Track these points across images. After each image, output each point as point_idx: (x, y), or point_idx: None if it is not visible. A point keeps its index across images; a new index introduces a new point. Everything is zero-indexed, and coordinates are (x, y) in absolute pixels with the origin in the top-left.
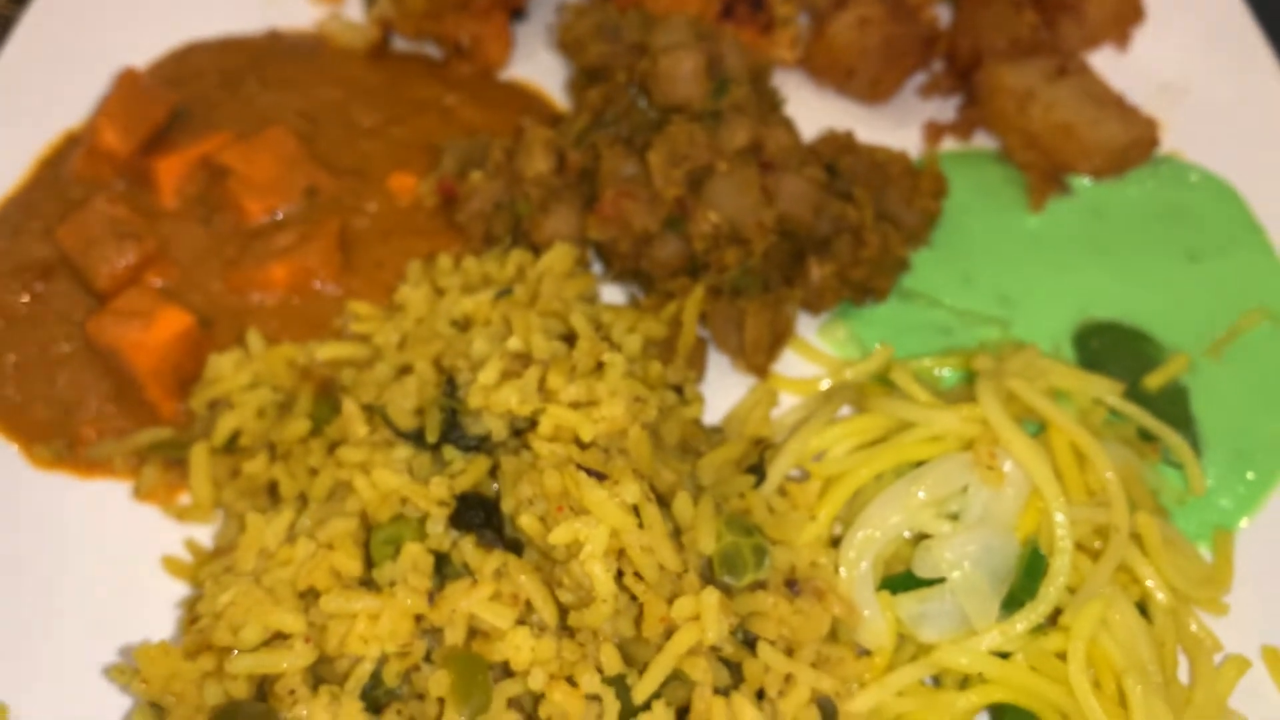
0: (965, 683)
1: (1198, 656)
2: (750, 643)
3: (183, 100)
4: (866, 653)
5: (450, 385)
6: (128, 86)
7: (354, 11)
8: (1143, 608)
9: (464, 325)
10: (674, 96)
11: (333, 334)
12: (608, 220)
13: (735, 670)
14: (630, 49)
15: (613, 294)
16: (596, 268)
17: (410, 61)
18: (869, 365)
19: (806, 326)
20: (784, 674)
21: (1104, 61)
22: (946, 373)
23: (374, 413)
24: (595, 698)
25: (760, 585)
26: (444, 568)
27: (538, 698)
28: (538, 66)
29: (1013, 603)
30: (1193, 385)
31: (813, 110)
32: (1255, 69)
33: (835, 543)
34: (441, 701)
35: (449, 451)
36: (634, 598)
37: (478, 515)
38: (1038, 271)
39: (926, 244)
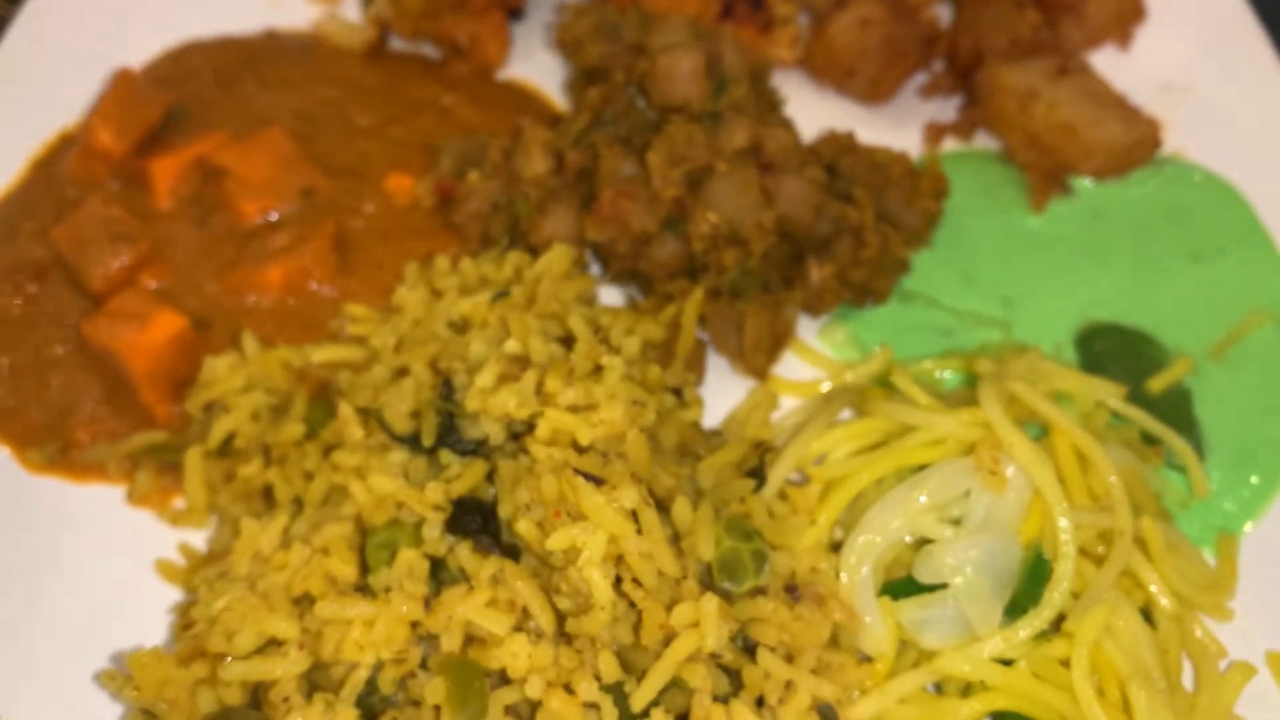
0: (968, 690)
1: (1202, 662)
2: (750, 649)
3: (178, 100)
4: (868, 659)
5: (447, 388)
6: (123, 86)
7: (351, 11)
8: (1146, 613)
9: (461, 327)
10: (673, 96)
11: (329, 336)
12: (606, 221)
13: (735, 677)
14: (629, 49)
15: (611, 296)
16: (595, 269)
17: (407, 61)
18: (869, 368)
19: (806, 328)
20: (784, 681)
21: (1105, 61)
22: (948, 375)
23: (370, 416)
24: (593, 705)
25: (760, 591)
26: (440, 573)
27: (535, 705)
28: (536, 66)
29: (1015, 609)
30: (1196, 388)
31: (812, 110)
32: (1258, 69)
33: (836, 548)
34: (438, 709)
35: (445, 455)
36: (632, 604)
37: (474, 520)
38: (1039, 273)
39: (927, 245)
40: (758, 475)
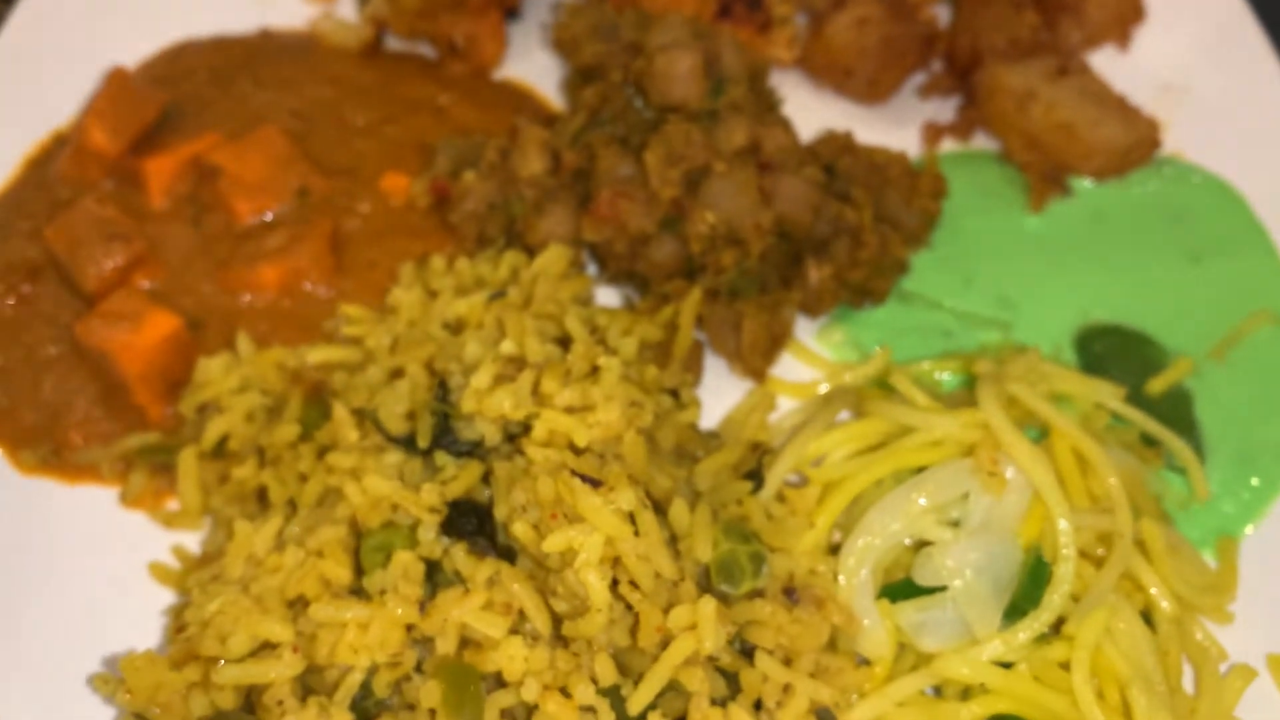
0: (967, 693)
1: (1203, 665)
2: (748, 652)
3: (173, 99)
4: (866, 662)
5: (442, 389)
6: (117, 85)
7: (347, 10)
8: (1147, 616)
9: (457, 328)
10: (670, 96)
11: (324, 337)
12: (603, 221)
13: (732, 680)
14: (626, 48)
15: (608, 296)
16: (591, 269)
17: (403, 61)
18: (868, 369)
19: (804, 329)
20: (782, 684)
21: (1105, 62)
22: (946, 376)
23: (365, 417)
24: (590, 709)
25: (758, 593)
26: (435, 576)
27: (531, 709)
28: (532, 66)
29: (1015, 611)
30: (1196, 389)
31: (810, 110)
32: (1257, 69)
33: (834, 550)
34: (433, 712)
35: (441, 457)
36: (629, 607)
37: (470, 522)
38: (1038, 273)
39: (926, 245)
40: (756, 477)
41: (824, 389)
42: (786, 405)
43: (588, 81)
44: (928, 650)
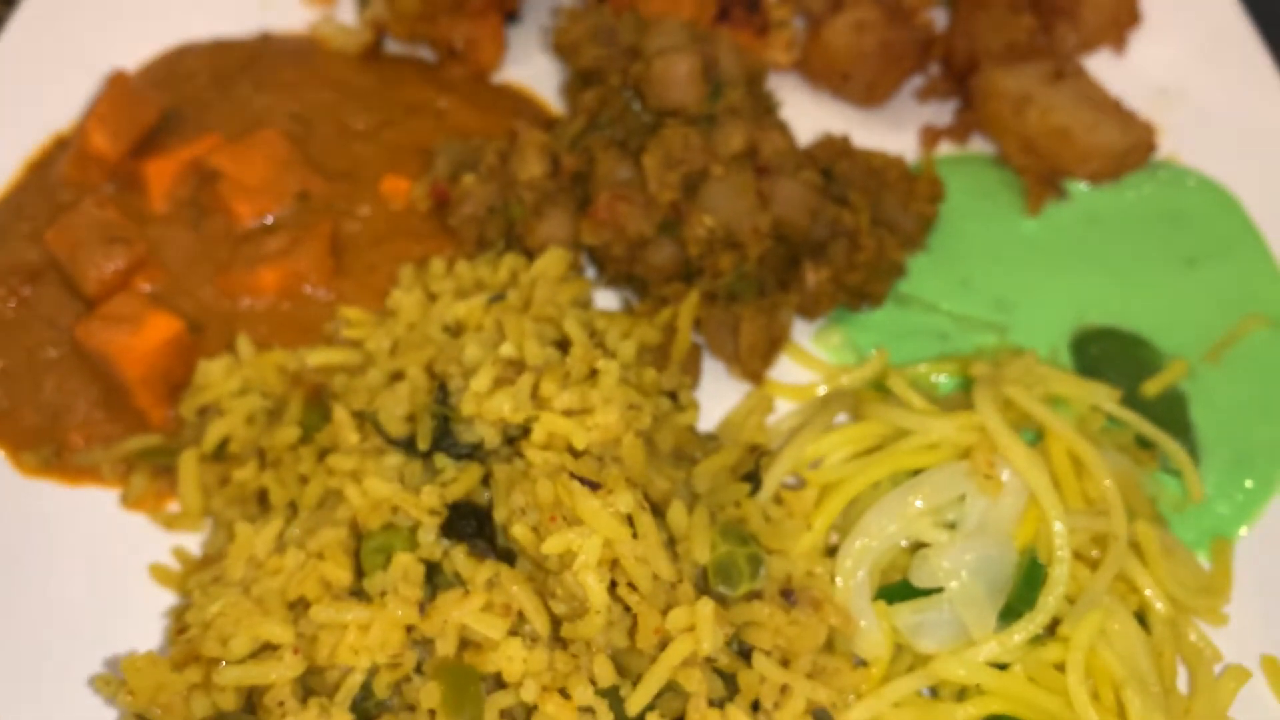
0: (963, 694)
1: (1197, 667)
2: (745, 653)
3: (173, 103)
4: (863, 663)
5: (442, 392)
6: (118, 89)
7: (346, 14)
8: (1141, 617)
9: (456, 331)
10: (669, 100)
11: (324, 339)
12: (602, 224)
13: (730, 681)
14: (625, 52)
15: (606, 299)
16: (590, 272)
17: (403, 64)
18: (865, 371)
19: (802, 332)
20: (779, 685)
21: (1101, 65)
22: (943, 379)
23: (365, 420)
24: (588, 710)
25: (756, 595)
26: (435, 578)
27: (530, 710)
28: (531, 69)
29: (1011, 613)
30: (1191, 391)
31: (808, 114)
32: (1252, 73)
33: (831, 552)
34: (433, 713)
35: (441, 459)
36: (628, 608)
37: (470, 524)
38: (1035, 276)
39: (923, 249)
40: (753, 479)
41: (822, 391)
42: (784, 408)
43: (587, 85)
44: (924, 651)
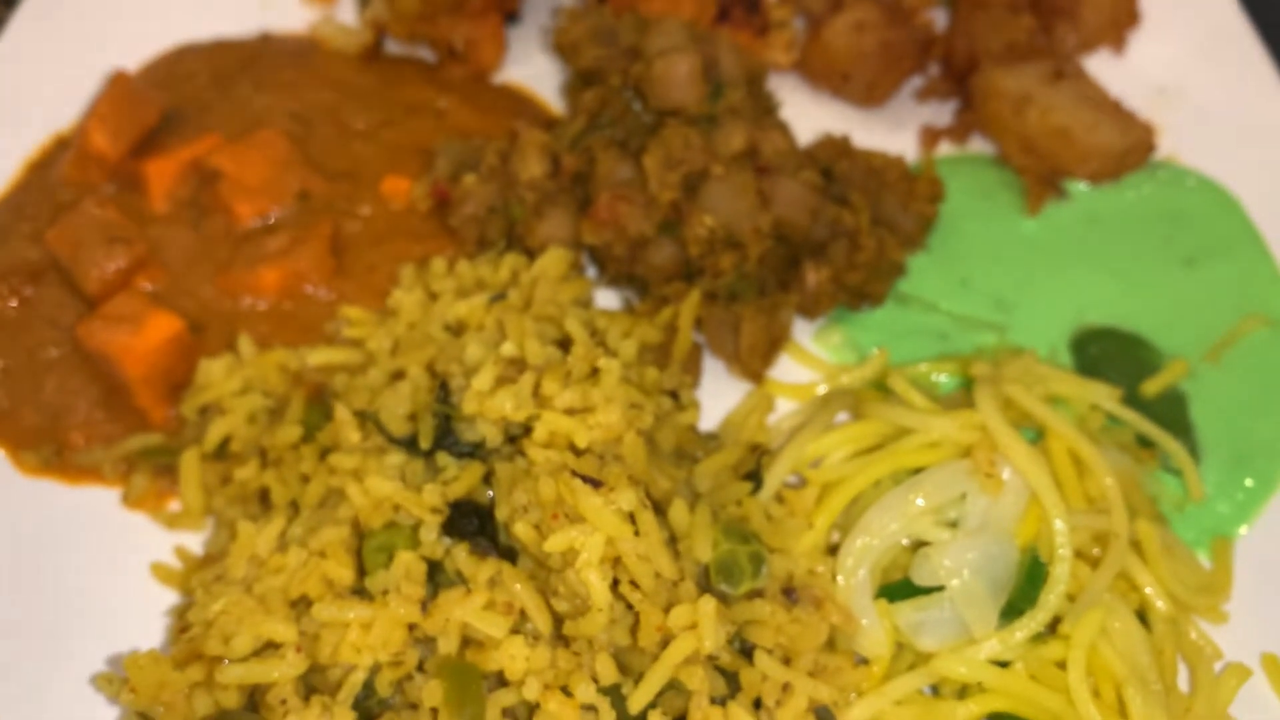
0: (964, 692)
1: (1198, 665)
2: (747, 652)
3: (174, 103)
4: (864, 661)
5: (444, 391)
6: (118, 89)
7: (346, 14)
8: (1142, 616)
9: (457, 330)
10: (669, 100)
11: (325, 339)
12: (602, 224)
13: (732, 679)
14: (625, 52)
15: (607, 299)
16: (591, 272)
17: (403, 64)
18: (865, 371)
19: (802, 331)
20: (781, 683)
21: (1100, 65)
22: (943, 378)
23: (366, 419)
24: (591, 708)
25: (757, 593)
26: (437, 576)
27: (532, 708)
28: (532, 69)
29: (1012, 611)
30: (1191, 391)
31: (808, 114)
32: (1251, 73)
33: (833, 550)
34: (435, 712)
35: (442, 458)
36: (630, 606)
37: (471, 523)
38: (1035, 276)
39: (923, 248)
40: (755, 478)
41: (822, 391)
42: (785, 407)
43: (587, 85)
44: (925, 649)
